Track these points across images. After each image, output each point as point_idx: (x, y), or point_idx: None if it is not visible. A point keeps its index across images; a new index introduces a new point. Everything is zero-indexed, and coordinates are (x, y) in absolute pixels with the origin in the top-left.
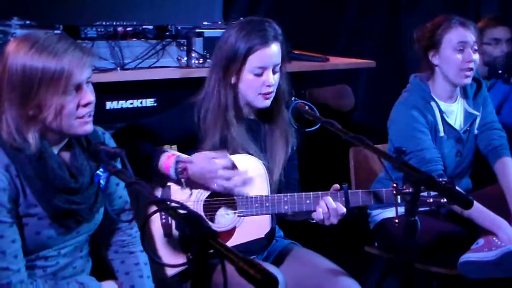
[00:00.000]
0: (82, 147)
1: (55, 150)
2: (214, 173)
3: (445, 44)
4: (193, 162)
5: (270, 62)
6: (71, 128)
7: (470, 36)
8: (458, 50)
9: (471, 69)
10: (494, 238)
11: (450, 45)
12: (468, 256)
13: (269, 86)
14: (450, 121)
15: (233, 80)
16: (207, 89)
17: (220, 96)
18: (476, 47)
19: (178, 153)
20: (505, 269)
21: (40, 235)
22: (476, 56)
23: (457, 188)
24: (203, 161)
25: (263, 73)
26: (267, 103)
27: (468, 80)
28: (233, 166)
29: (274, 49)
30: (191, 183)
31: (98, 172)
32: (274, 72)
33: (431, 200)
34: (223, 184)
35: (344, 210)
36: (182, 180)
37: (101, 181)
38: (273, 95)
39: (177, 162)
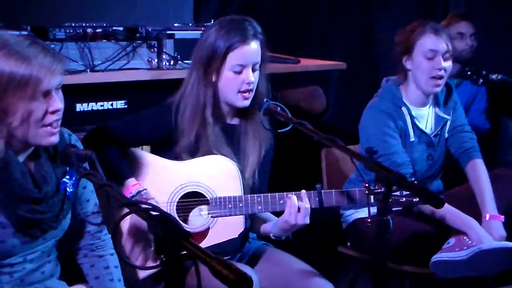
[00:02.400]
0: (48, 154)
1: (21, 158)
2: None
3: (417, 49)
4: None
5: (249, 60)
6: (36, 138)
7: (441, 44)
8: (428, 57)
9: (441, 77)
10: (465, 238)
11: (421, 51)
12: (440, 256)
13: (248, 84)
14: (421, 125)
15: (213, 78)
16: (186, 87)
17: (200, 94)
18: (448, 55)
19: (145, 187)
20: (476, 268)
21: (4, 243)
22: (447, 64)
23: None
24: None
25: (242, 71)
26: (246, 103)
27: (438, 89)
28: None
29: (254, 47)
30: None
31: (64, 179)
32: (253, 70)
33: (404, 199)
34: None
35: (308, 205)
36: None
37: (68, 189)
38: (252, 94)
39: (139, 194)
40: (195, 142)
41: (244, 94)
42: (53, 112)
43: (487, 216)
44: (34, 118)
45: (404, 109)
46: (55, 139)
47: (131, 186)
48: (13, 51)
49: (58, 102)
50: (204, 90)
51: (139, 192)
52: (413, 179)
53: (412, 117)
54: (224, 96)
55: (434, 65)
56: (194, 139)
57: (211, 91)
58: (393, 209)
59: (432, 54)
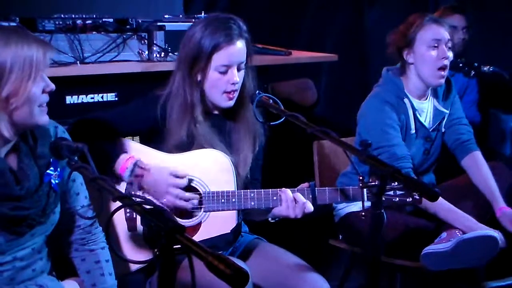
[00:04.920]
0: (29, 145)
1: (2, 153)
2: (166, 188)
3: (419, 41)
4: (151, 171)
5: (235, 60)
6: (32, 117)
7: (444, 33)
8: (432, 47)
9: (445, 67)
10: (456, 231)
11: (424, 42)
12: (428, 248)
13: (233, 84)
14: (422, 119)
15: (198, 77)
16: (172, 86)
17: (186, 94)
18: (450, 45)
19: (138, 156)
20: (461, 259)
21: None
22: (450, 54)
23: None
24: (160, 174)
25: (227, 71)
26: (231, 103)
27: (442, 81)
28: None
29: (239, 47)
30: (142, 189)
31: (48, 171)
32: (238, 70)
33: (397, 199)
34: (172, 201)
35: (312, 209)
36: (134, 184)
37: (53, 181)
38: (237, 94)
39: (135, 166)
40: (187, 140)
41: (229, 94)
42: (47, 92)
43: (502, 209)
44: (34, 98)
45: (406, 100)
46: (47, 118)
47: (126, 161)
48: (7, 36)
49: (51, 82)
50: (190, 90)
51: (135, 164)
52: (413, 174)
53: (414, 109)
54: (209, 95)
55: (439, 54)
56: (186, 137)
57: (197, 91)
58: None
59: (436, 43)
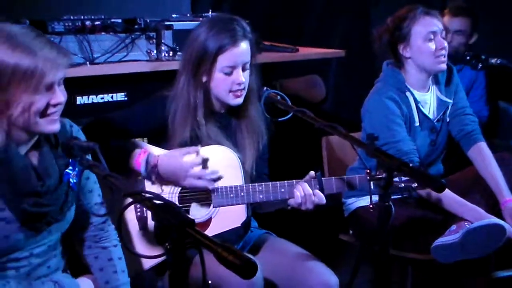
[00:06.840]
0: (50, 145)
1: (23, 150)
2: (185, 172)
3: (414, 35)
4: (164, 159)
5: (239, 61)
6: (37, 126)
7: (438, 23)
8: (429, 39)
9: (444, 55)
10: (465, 223)
11: (420, 36)
12: (438, 241)
13: (238, 84)
14: (425, 110)
15: (204, 79)
16: (177, 88)
17: (190, 96)
18: (444, 33)
19: (150, 150)
20: (470, 249)
21: (9, 238)
22: (446, 43)
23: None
24: (174, 159)
25: (233, 71)
26: (239, 100)
27: (444, 66)
28: (205, 163)
29: (244, 48)
30: (162, 179)
31: (67, 170)
32: (244, 70)
33: (403, 185)
34: (194, 182)
35: (324, 200)
36: (153, 176)
37: (71, 180)
38: (244, 92)
39: (148, 158)
40: (190, 141)
41: (235, 93)
42: (54, 105)
43: (505, 202)
44: (35, 109)
45: (408, 93)
46: (56, 126)
47: (138, 156)
48: (18, 43)
49: (60, 95)
50: (194, 92)
51: (148, 156)
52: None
53: (416, 101)
54: (215, 94)
55: (437, 45)
56: (189, 139)
57: (201, 92)
58: (394, 196)
59: (432, 35)
